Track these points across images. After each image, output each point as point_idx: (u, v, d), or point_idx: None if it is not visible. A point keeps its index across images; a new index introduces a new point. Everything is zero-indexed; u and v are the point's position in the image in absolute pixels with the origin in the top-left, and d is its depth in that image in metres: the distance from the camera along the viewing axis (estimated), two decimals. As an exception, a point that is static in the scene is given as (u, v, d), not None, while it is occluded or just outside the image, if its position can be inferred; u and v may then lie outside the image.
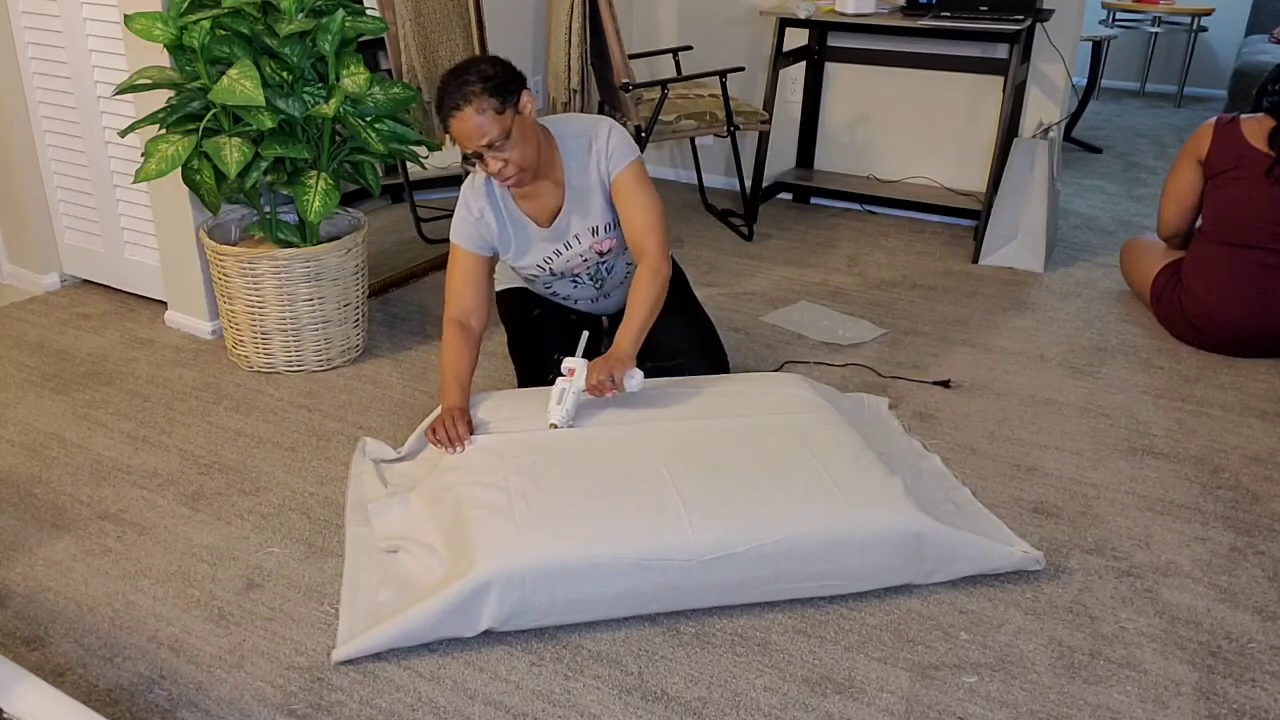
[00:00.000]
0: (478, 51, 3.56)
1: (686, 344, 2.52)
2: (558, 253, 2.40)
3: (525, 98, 2.15)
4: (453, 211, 2.36)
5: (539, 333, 2.54)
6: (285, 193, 2.67)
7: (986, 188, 3.73)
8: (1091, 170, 5.02)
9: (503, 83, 2.10)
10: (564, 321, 2.57)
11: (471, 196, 2.32)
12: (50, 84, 3.02)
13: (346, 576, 1.96)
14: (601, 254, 2.45)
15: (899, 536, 1.91)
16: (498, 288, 2.68)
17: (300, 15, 2.45)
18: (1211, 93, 6.86)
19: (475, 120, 2.08)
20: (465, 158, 2.32)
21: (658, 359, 2.56)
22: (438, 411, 2.24)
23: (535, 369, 2.49)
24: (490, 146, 2.11)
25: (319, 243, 2.71)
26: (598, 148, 2.29)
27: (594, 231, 2.39)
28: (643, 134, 3.60)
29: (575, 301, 2.59)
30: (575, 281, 2.50)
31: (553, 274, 2.46)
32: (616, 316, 2.69)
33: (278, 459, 2.38)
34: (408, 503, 2.09)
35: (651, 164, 4.66)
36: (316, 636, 1.83)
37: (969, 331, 3.13)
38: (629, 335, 2.22)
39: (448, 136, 2.17)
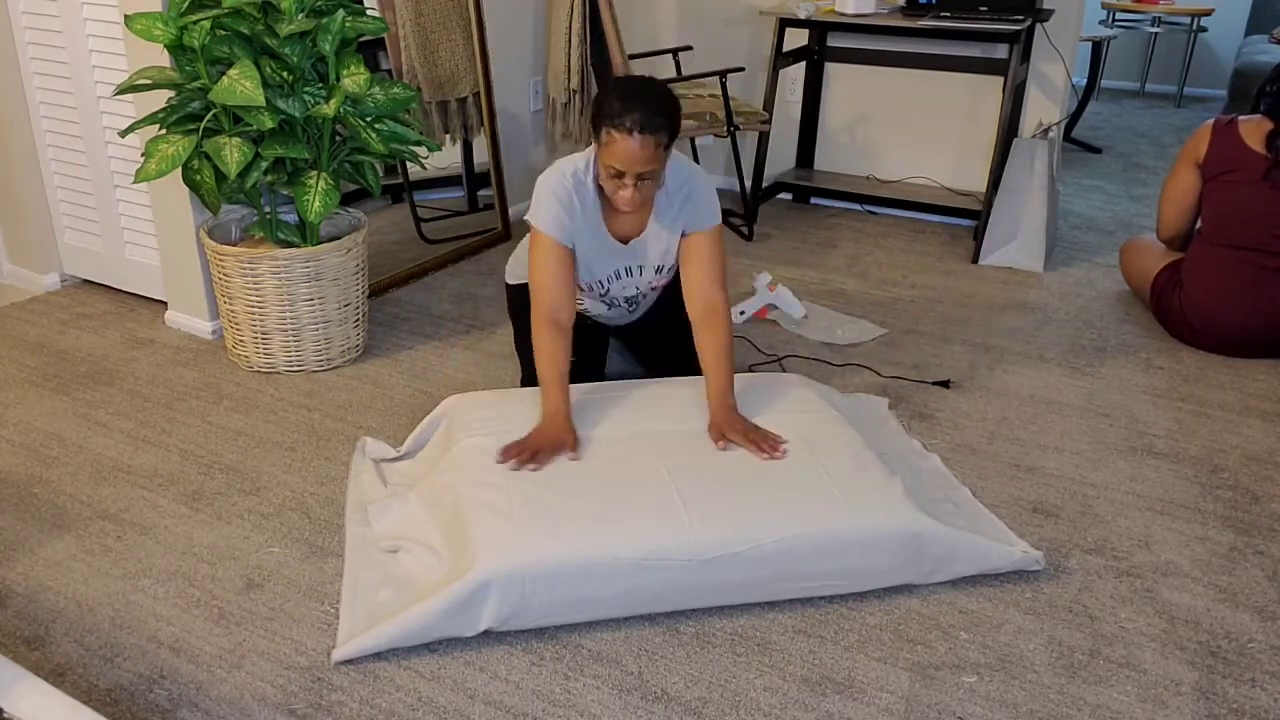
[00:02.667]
0: (478, 52, 3.57)
1: (671, 361, 2.52)
2: (622, 273, 2.38)
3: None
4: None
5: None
6: (285, 193, 2.67)
7: (986, 188, 3.73)
8: (1091, 170, 5.02)
9: (677, 123, 2.13)
10: (577, 327, 2.53)
11: (560, 187, 2.24)
12: (50, 84, 3.02)
13: (346, 576, 1.96)
14: (654, 289, 2.48)
15: (899, 536, 1.91)
16: (511, 281, 2.62)
17: (300, 15, 2.45)
18: (1211, 93, 6.86)
19: (650, 151, 2.08)
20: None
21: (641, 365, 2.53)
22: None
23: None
24: (641, 177, 2.11)
25: (319, 243, 2.71)
26: (691, 195, 2.29)
27: (657, 270, 2.40)
28: (643, 134, 3.60)
29: (599, 317, 2.58)
30: (611, 304, 2.50)
31: (604, 294, 2.44)
32: (623, 326, 2.66)
33: (278, 459, 2.38)
34: (408, 502, 2.09)
35: (651, 164, 4.66)
36: (316, 636, 1.83)
37: (969, 331, 3.13)
38: (727, 393, 2.20)
39: (613, 145, 2.09)
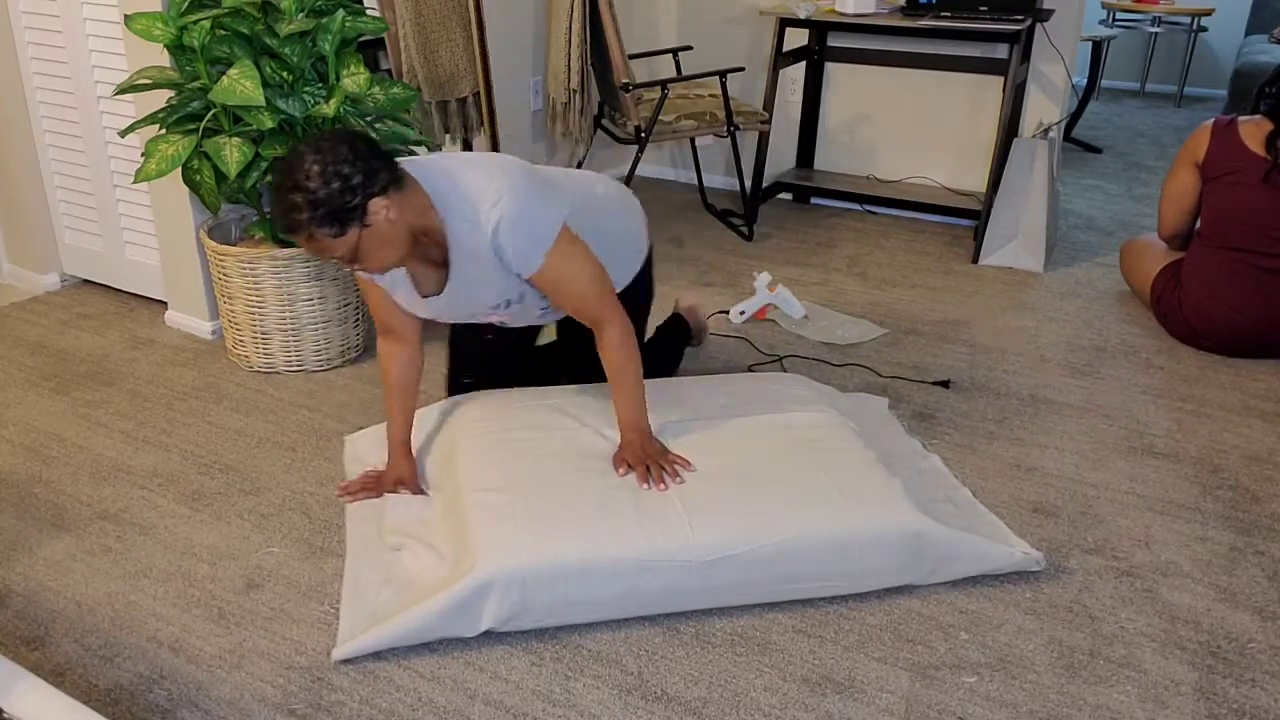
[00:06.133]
0: (478, 52, 3.56)
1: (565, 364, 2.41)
2: (445, 315, 2.11)
3: (374, 207, 1.75)
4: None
5: (452, 354, 2.42)
6: (285, 193, 2.67)
7: (986, 188, 3.73)
8: (1091, 170, 5.02)
9: (336, 208, 1.71)
10: (480, 341, 2.38)
11: None
12: (50, 84, 3.02)
13: (347, 575, 1.96)
14: (501, 321, 2.18)
15: (899, 537, 1.91)
16: None
17: (300, 15, 2.45)
18: (1211, 93, 6.86)
19: (313, 246, 1.78)
20: None
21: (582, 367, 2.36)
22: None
23: (453, 385, 2.42)
24: (342, 260, 1.80)
25: (319, 243, 2.70)
26: (502, 245, 1.90)
27: (494, 308, 2.07)
28: (642, 134, 3.60)
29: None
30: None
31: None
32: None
33: (278, 459, 2.38)
34: (427, 501, 2.10)
35: (651, 164, 4.66)
36: (316, 636, 1.83)
37: (969, 331, 3.13)
38: (634, 414, 2.04)
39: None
